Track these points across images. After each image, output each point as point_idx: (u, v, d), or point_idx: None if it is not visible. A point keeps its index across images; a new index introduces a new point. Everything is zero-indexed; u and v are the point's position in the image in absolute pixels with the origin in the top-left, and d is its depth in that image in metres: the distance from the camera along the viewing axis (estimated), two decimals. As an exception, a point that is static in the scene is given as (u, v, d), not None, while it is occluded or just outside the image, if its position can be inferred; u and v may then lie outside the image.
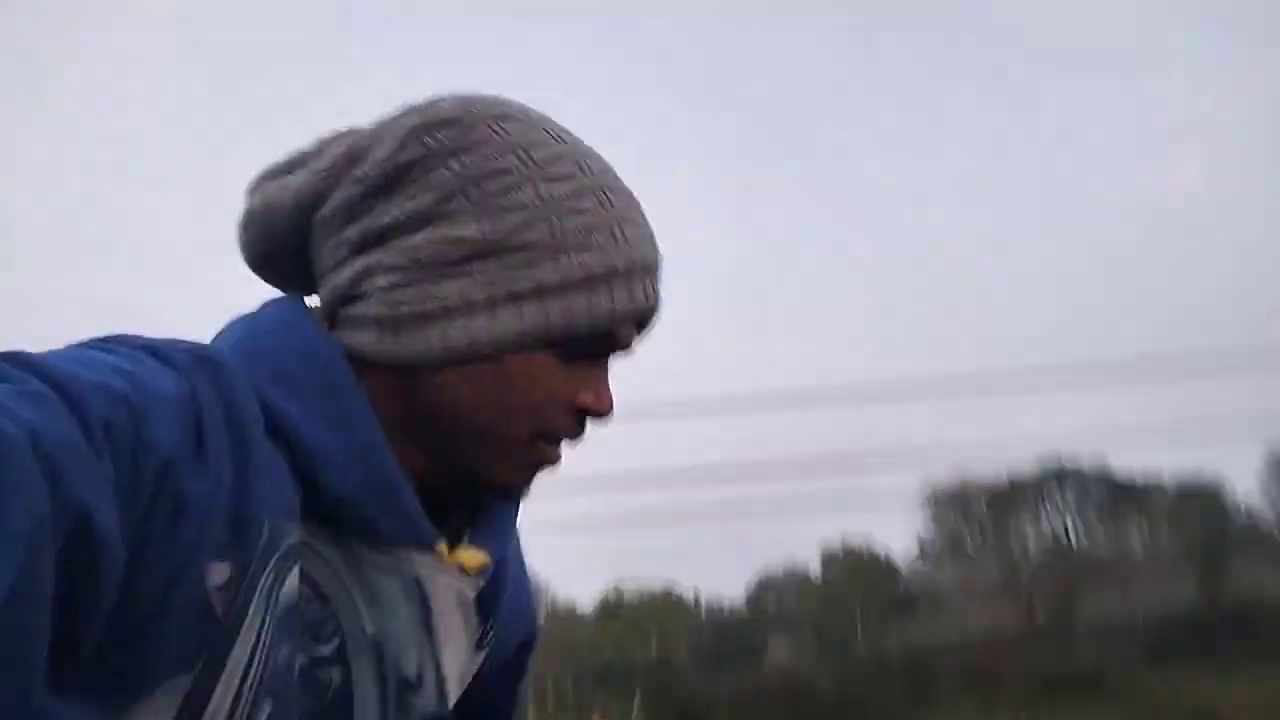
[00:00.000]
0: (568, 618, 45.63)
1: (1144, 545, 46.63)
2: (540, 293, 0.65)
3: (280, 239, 0.71)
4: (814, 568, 43.89)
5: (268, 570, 0.56)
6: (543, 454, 0.70)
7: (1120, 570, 43.55)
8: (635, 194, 0.72)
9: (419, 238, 0.65)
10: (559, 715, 36.02)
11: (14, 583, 0.40)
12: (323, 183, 0.68)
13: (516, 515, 0.83)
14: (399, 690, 0.65)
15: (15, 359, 0.49)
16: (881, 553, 43.32)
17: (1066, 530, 45.44)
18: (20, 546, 0.40)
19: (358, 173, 0.67)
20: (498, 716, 0.87)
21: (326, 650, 0.61)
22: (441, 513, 0.70)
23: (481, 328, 0.64)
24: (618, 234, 0.67)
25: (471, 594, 0.72)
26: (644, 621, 42.59)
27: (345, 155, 0.67)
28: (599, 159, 0.71)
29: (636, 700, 31.65)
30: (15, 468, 0.41)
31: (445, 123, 0.66)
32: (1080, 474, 45.20)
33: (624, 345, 0.70)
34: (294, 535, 0.59)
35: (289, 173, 0.72)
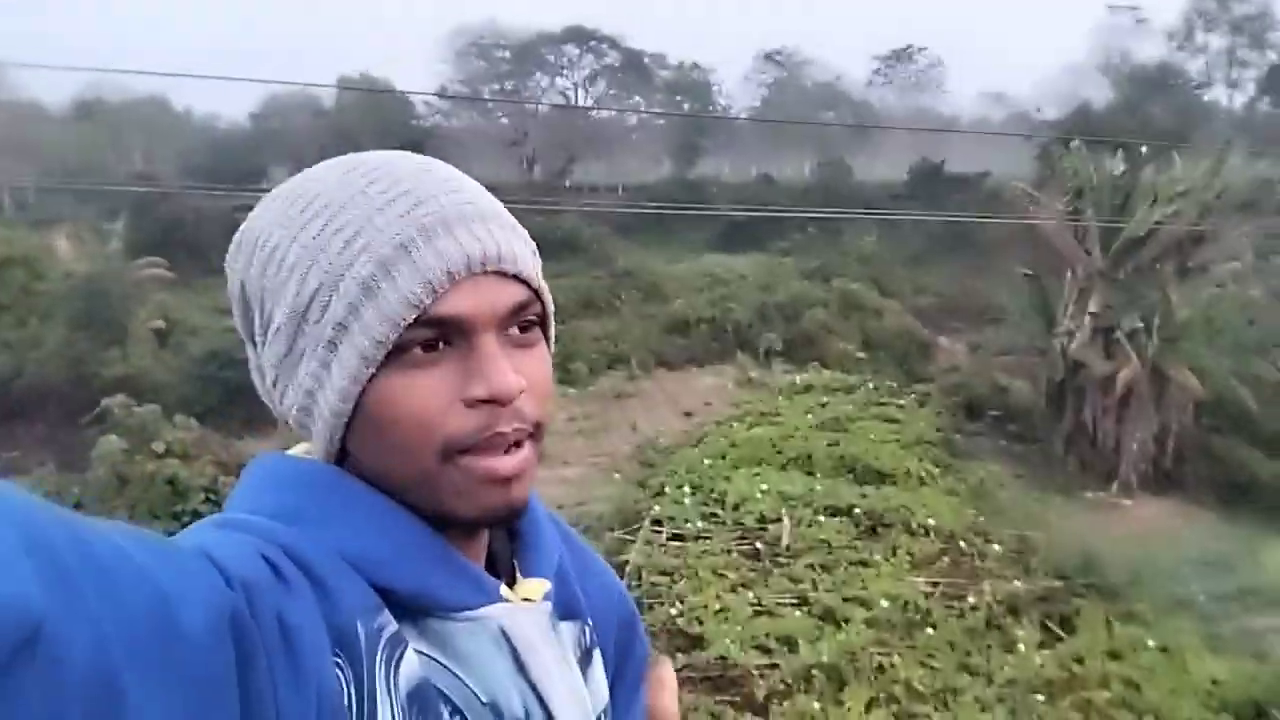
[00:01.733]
0: (28, 112, 39.31)
1: (639, 121, 51.10)
2: (342, 326, 0.64)
3: None
4: (328, 97, 41.90)
5: (378, 664, 0.60)
6: (481, 469, 0.66)
7: (614, 140, 47.68)
8: (407, 157, 0.70)
9: (261, 352, 0.70)
10: (20, 218, 32.22)
11: (210, 623, 0.47)
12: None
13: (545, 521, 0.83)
14: None
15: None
16: (400, 92, 42.43)
17: (576, 93, 47.92)
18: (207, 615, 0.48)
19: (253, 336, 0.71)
20: (629, 701, 0.88)
21: None
22: (490, 557, 0.76)
23: (333, 388, 0.65)
24: (377, 221, 0.65)
25: (548, 620, 0.75)
26: (126, 129, 38.22)
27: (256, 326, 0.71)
28: (365, 165, 0.69)
29: (117, 224, 29.08)
30: (203, 575, 0.50)
31: (234, 251, 0.70)
32: (598, 42, 47.22)
33: (475, 316, 0.65)
34: (391, 627, 0.62)
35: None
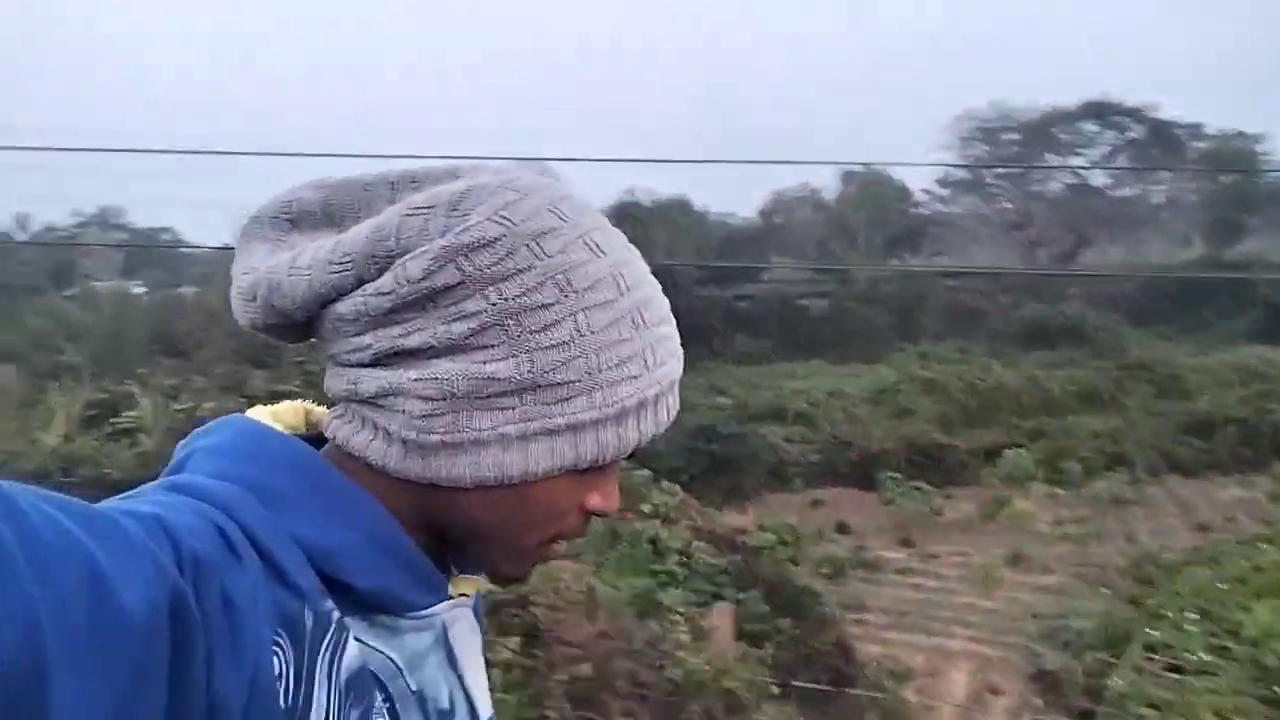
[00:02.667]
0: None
1: (1167, 198, 46.03)
2: (574, 429, 0.65)
3: (284, 314, 0.70)
4: (829, 190, 43.71)
5: (322, 650, 0.61)
6: (550, 552, 0.74)
7: (1136, 221, 43.43)
8: (657, 287, 0.72)
9: (452, 368, 0.65)
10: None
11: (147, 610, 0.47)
12: (338, 278, 0.66)
13: None
14: None
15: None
16: (898, 180, 42.92)
17: (1090, 172, 44.56)
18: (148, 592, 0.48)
19: (385, 284, 0.64)
20: None
21: (384, 715, 0.67)
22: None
23: (513, 462, 0.65)
24: (650, 360, 0.68)
25: (474, 614, 0.79)
26: (654, 228, 43.41)
27: (365, 253, 0.65)
28: (631, 259, 0.70)
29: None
30: (145, 554, 0.49)
31: (483, 246, 0.64)
32: (1120, 114, 43.51)
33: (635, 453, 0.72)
34: (336, 613, 0.63)
35: (290, 226, 0.71)
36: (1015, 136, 44.63)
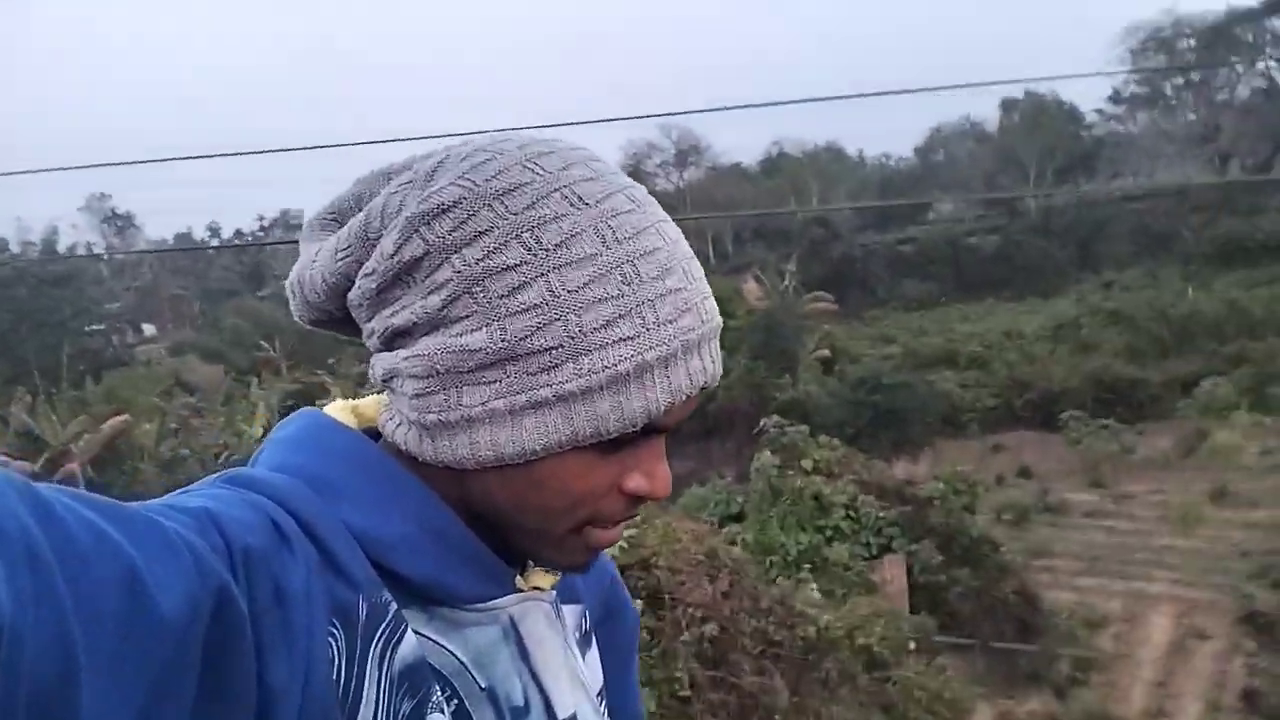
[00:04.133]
0: (729, 173, 46.14)
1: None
2: (563, 399, 0.60)
3: (324, 310, 0.70)
4: (991, 120, 41.58)
5: (375, 642, 0.60)
6: (598, 539, 0.68)
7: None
8: (679, 242, 0.65)
9: (432, 343, 0.62)
10: (719, 266, 37.83)
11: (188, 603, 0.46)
12: (343, 265, 0.65)
13: None
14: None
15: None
16: (1065, 102, 40.25)
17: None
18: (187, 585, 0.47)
19: (369, 265, 0.63)
20: (625, 668, 0.90)
21: (448, 713, 0.64)
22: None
23: (506, 439, 0.61)
24: (648, 317, 0.60)
25: (554, 608, 0.75)
26: (805, 178, 42.51)
27: (360, 235, 0.64)
28: (630, 209, 0.63)
29: (792, 263, 32.42)
30: (185, 553, 0.48)
31: (442, 211, 0.60)
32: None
33: (674, 424, 0.65)
34: (393, 605, 0.62)
35: (336, 224, 0.70)
36: (1192, 43, 41.02)
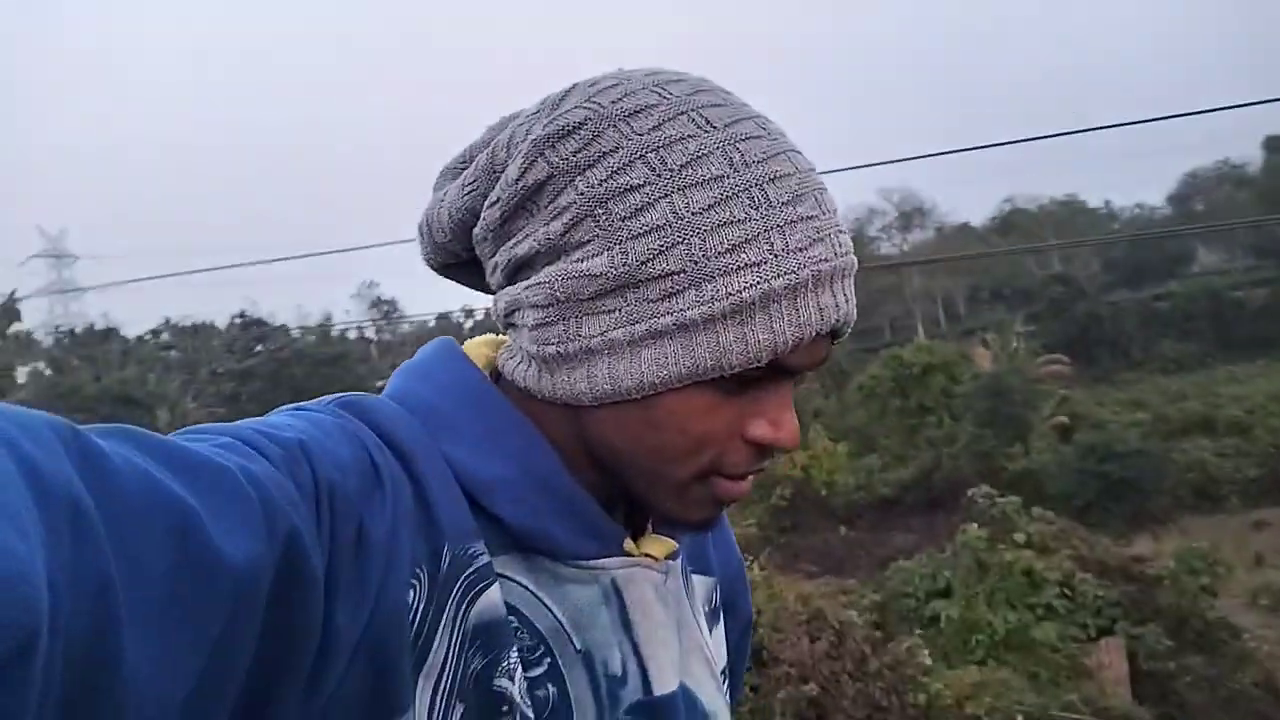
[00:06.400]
0: (957, 233, 44.16)
1: None
2: (684, 328, 0.58)
3: (451, 251, 0.70)
4: (1253, 161, 37.94)
5: (454, 592, 0.58)
6: (723, 490, 0.64)
7: None
8: (811, 172, 0.62)
9: (553, 270, 0.61)
10: (950, 329, 36.42)
11: (252, 558, 0.44)
12: (469, 199, 0.65)
13: None
14: (610, 688, 0.65)
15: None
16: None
17: None
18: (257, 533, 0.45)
19: (494, 195, 0.63)
20: (736, 656, 0.88)
21: (539, 671, 0.62)
22: (622, 504, 0.70)
23: (625, 371, 0.59)
24: (776, 243, 0.58)
25: (666, 581, 0.71)
26: (1041, 234, 40.29)
27: (486, 168, 0.64)
28: (760, 134, 0.61)
29: (1017, 325, 30.72)
30: (248, 499, 0.46)
31: (568, 133, 0.59)
32: None
33: (803, 368, 0.62)
34: (482, 558, 0.60)
35: (463, 168, 0.70)
36: None
